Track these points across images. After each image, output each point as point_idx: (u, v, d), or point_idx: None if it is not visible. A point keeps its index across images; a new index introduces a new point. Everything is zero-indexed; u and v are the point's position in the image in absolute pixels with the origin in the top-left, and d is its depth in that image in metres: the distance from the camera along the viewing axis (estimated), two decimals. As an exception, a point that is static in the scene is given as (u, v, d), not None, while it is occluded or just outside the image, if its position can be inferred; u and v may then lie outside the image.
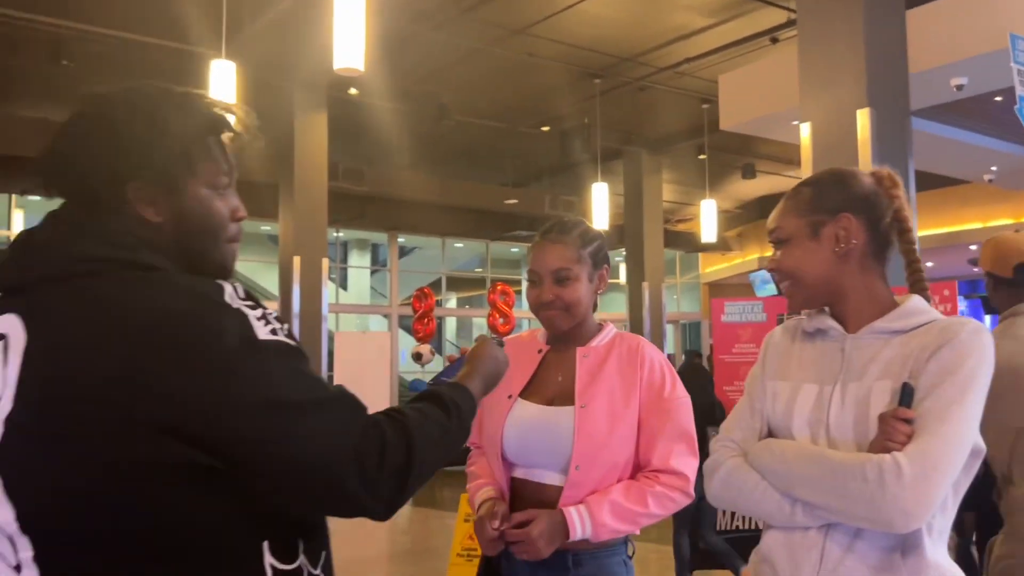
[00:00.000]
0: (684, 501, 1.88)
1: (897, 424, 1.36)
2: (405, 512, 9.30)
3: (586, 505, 1.84)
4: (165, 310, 1.06)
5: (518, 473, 1.96)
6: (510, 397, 1.97)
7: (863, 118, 5.14)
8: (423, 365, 7.12)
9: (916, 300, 1.54)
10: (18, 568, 1.07)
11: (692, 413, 1.93)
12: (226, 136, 1.26)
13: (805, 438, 1.49)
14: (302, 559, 1.15)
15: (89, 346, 1.05)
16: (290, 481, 1.08)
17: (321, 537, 1.23)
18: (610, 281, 2.10)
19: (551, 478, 1.91)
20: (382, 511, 1.14)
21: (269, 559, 1.11)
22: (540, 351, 2.05)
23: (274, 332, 1.12)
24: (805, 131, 5.48)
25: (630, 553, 1.97)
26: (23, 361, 1.07)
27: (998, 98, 8.13)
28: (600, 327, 2.04)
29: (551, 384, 1.99)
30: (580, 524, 1.82)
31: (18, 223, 14.23)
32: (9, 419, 1.06)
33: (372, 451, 1.11)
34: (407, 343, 14.79)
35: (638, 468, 1.92)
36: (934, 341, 1.43)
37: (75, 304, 1.09)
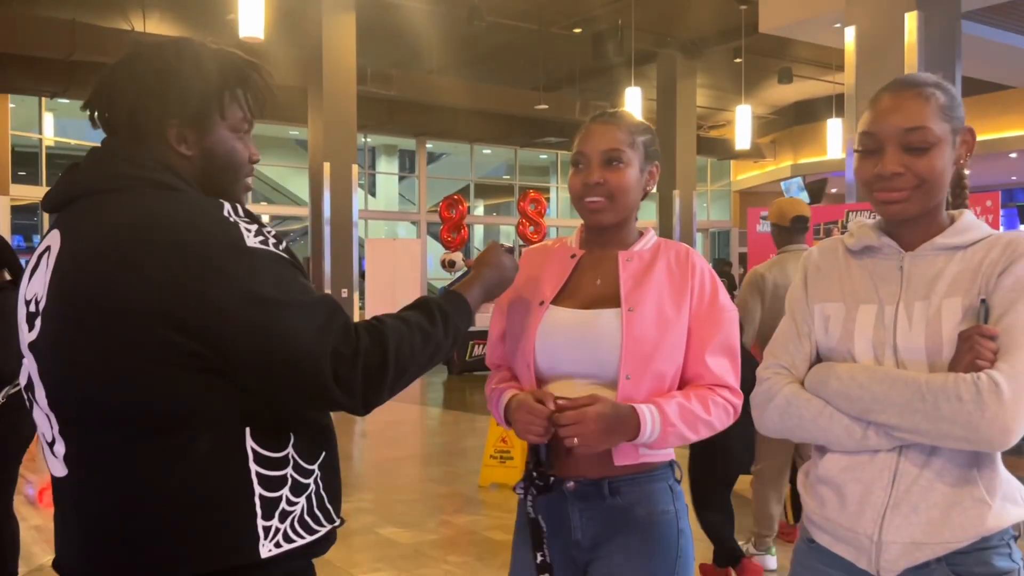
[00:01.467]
0: (733, 419, 1.72)
1: (984, 341, 1.33)
2: (436, 415, 9.52)
3: (654, 404, 1.64)
4: (165, 216, 1.24)
5: (551, 387, 1.74)
6: (541, 304, 1.78)
7: (911, 21, 4.94)
8: (454, 273, 7.12)
9: (969, 215, 1.50)
10: (53, 441, 1.31)
11: (738, 325, 1.79)
12: (252, 89, 1.43)
13: (869, 359, 1.45)
14: (290, 451, 1.30)
15: (100, 247, 1.24)
16: (270, 372, 1.23)
17: (319, 436, 1.37)
18: None
19: (587, 389, 1.69)
20: (359, 407, 1.28)
21: (251, 443, 1.26)
22: (573, 256, 1.85)
23: (264, 242, 1.26)
24: (850, 35, 5.29)
25: (678, 477, 1.78)
26: (55, 265, 1.28)
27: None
28: (641, 233, 1.86)
29: (588, 288, 1.79)
30: (651, 421, 1.61)
31: (49, 126, 14.28)
32: (44, 313, 1.28)
33: (347, 351, 1.24)
34: (435, 250, 14.84)
35: (684, 384, 1.74)
36: (1003, 257, 1.40)
37: (96, 214, 1.28)
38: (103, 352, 1.21)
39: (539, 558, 1.70)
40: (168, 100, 1.33)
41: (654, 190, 1.88)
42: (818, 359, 1.53)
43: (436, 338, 1.39)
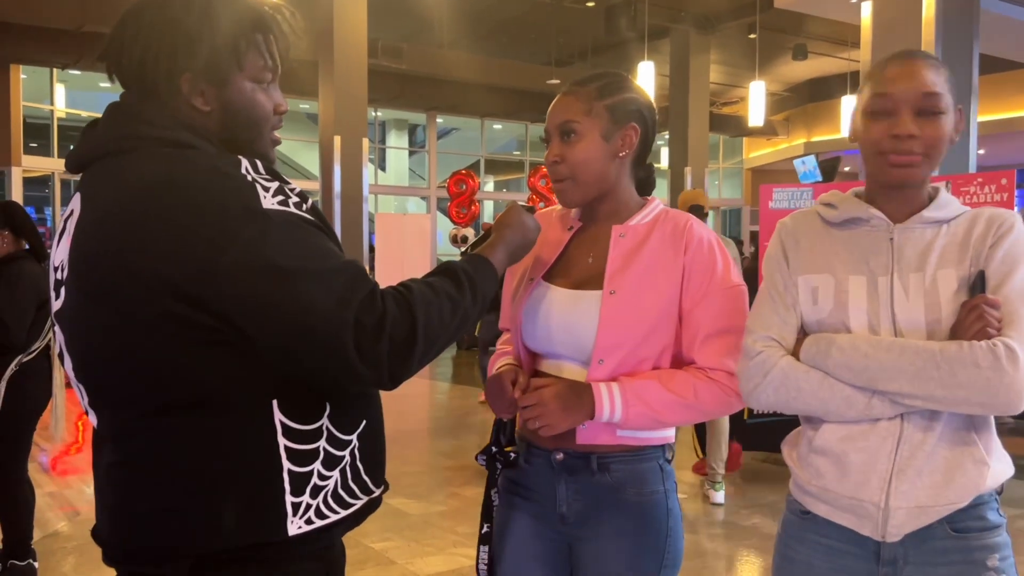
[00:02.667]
0: (737, 404, 1.62)
1: (991, 310, 1.38)
2: (446, 389, 9.56)
3: (619, 383, 1.58)
4: (176, 179, 1.15)
5: (543, 365, 1.71)
6: (532, 280, 1.72)
7: (929, -4, 4.88)
8: (465, 248, 7.12)
9: (944, 190, 1.56)
10: (87, 412, 1.28)
11: (747, 303, 1.65)
12: (274, 34, 1.32)
13: (864, 330, 1.46)
14: (324, 422, 1.22)
15: (110, 215, 1.17)
16: (286, 346, 1.14)
17: (359, 403, 1.29)
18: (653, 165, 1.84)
19: (575, 372, 1.65)
20: (386, 380, 1.17)
21: (279, 416, 1.18)
22: (571, 228, 1.75)
23: (283, 203, 1.16)
24: (866, 10, 5.23)
25: (669, 457, 1.71)
26: (74, 232, 1.23)
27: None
28: (644, 203, 1.74)
29: (580, 266, 1.71)
30: (608, 400, 1.56)
31: (60, 98, 14.27)
32: (67, 282, 1.23)
33: (371, 322, 1.14)
34: (445, 225, 14.83)
35: (679, 366, 1.65)
36: (989, 230, 1.46)
37: (110, 177, 1.21)
38: (118, 326, 1.16)
39: (484, 528, 1.78)
40: (177, 52, 1.23)
41: (630, 153, 1.69)
42: (802, 331, 1.53)
43: (464, 305, 1.29)
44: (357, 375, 1.15)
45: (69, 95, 14.66)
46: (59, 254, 1.27)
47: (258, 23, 1.29)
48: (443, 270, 1.34)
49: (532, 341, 1.72)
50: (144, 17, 1.26)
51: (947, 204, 1.51)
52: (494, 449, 1.75)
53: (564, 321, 1.66)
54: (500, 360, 1.79)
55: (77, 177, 1.30)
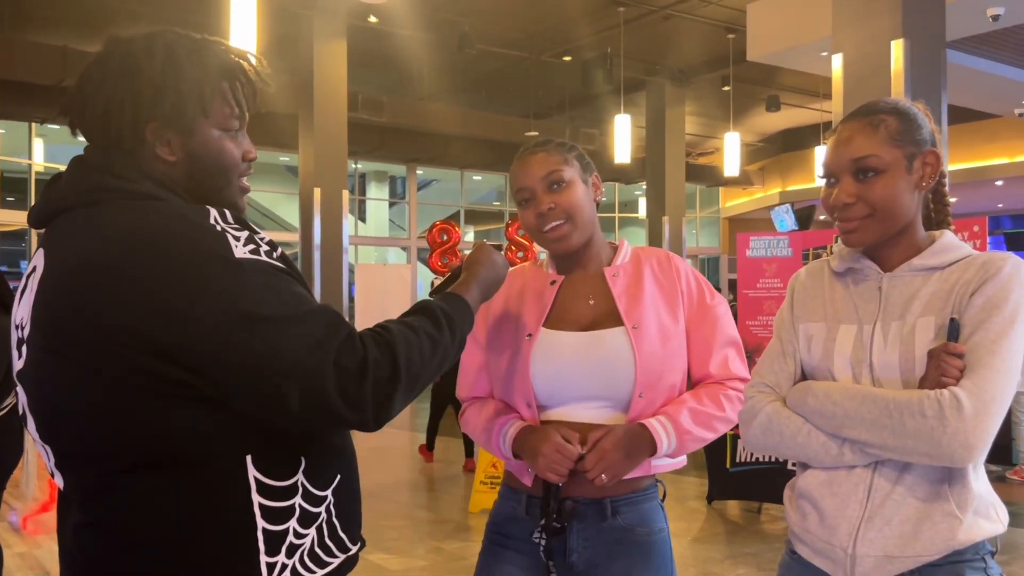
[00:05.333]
0: None
1: (950, 359, 1.36)
2: (422, 440, 9.44)
3: (664, 414, 1.65)
4: (143, 231, 1.12)
5: (549, 415, 1.70)
6: (530, 336, 1.71)
7: (897, 49, 5.01)
8: (434, 288, 7.12)
9: (949, 235, 1.53)
10: (53, 473, 1.23)
11: (732, 317, 1.80)
12: (240, 81, 1.30)
13: (847, 378, 1.48)
14: (300, 478, 1.19)
15: (77, 269, 1.14)
16: (265, 395, 1.10)
17: (333, 458, 1.26)
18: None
19: (593, 415, 1.67)
20: (370, 423, 1.15)
21: (254, 472, 1.15)
22: (553, 282, 1.78)
23: (255, 252, 1.14)
24: (837, 62, 5.35)
25: (662, 496, 1.77)
26: (38, 288, 1.19)
27: (1035, 29, 7.88)
28: (617, 246, 1.82)
29: (580, 310, 1.73)
30: (665, 433, 1.62)
31: (39, 152, 14.26)
32: (29, 341, 1.19)
33: (352, 365, 1.12)
34: (425, 275, 14.83)
35: (693, 385, 1.75)
36: (976, 276, 1.43)
37: (75, 231, 1.17)
38: (84, 385, 1.13)
39: None
40: (141, 101, 1.21)
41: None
42: (803, 378, 1.56)
43: (444, 343, 1.28)
44: (340, 418, 1.13)
45: (48, 149, 14.65)
46: (20, 312, 1.23)
47: (224, 70, 1.27)
48: (419, 309, 1.32)
49: (547, 391, 1.70)
50: (107, 68, 1.23)
51: (945, 250, 1.49)
52: (555, 523, 1.66)
53: (590, 361, 1.67)
54: (515, 423, 1.70)
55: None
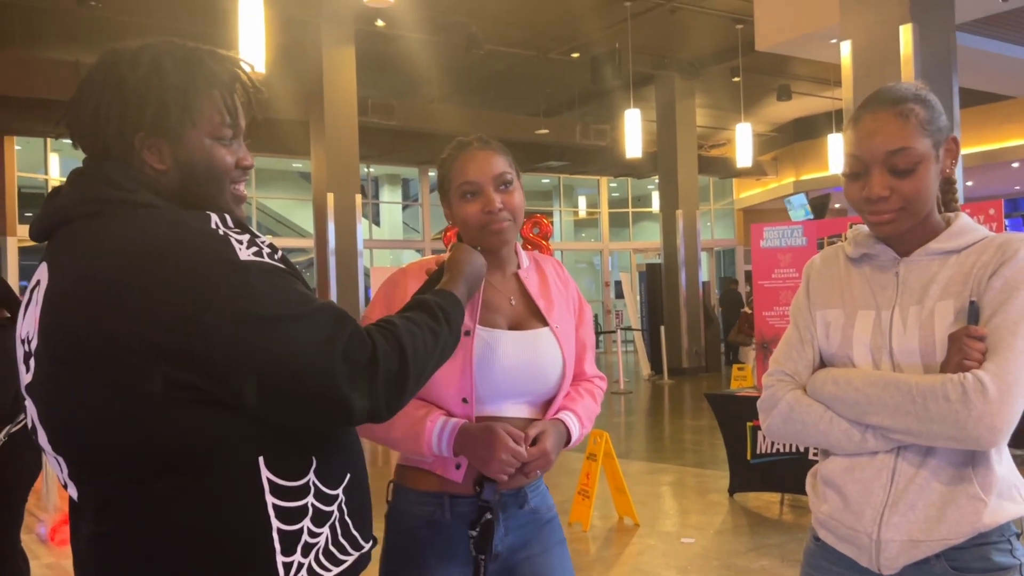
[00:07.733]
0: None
1: (971, 342, 1.35)
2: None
3: (570, 411, 1.79)
4: (148, 239, 1.14)
5: (484, 412, 1.71)
6: (467, 333, 1.69)
7: (906, 34, 4.98)
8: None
9: (965, 218, 1.52)
10: (66, 484, 1.23)
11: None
12: (232, 89, 1.30)
13: (867, 364, 1.47)
14: (311, 477, 1.21)
15: (85, 279, 1.15)
16: (278, 393, 1.13)
17: (343, 455, 1.28)
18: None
19: (520, 410, 1.74)
20: (382, 413, 1.20)
21: (266, 473, 1.17)
22: None
23: (258, 254, 1.16)
24: (845, 49, 5.32)
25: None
26: (44, 301, 1.19)
27: (1047, 8, 7.78)
28: (517, 251, 1.89)
29: (504, 309, 1.78)
30: (578, 429, 1.79)
31: (54, 167, 14.39)
32: (37, 354, 1.19)
33: (362, 359, 1.15)
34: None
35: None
36: (994, 258, 1.42)
37: (76, 243, 1.19)
38: (95, 394, 1.13)
39: None
40: (126, 110, 1.22)
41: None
42: (822, 364, 1.55)
43: (443, 336, 1.33)
44: (355, 410, 1.15)
45: (63, 164, 14.78)
46: (26, 325, 1.23)
47: (213, 79, 1.27)
48: (417, 305, 1.37)
49: (487, 388, 1.71)
50: (94, 79, 1.25)
51: (961, 233, 1.48)
52: (488, 516, 1.69)
53: (527, 361, 1.74)
54: (446, 419, 1.68)
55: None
